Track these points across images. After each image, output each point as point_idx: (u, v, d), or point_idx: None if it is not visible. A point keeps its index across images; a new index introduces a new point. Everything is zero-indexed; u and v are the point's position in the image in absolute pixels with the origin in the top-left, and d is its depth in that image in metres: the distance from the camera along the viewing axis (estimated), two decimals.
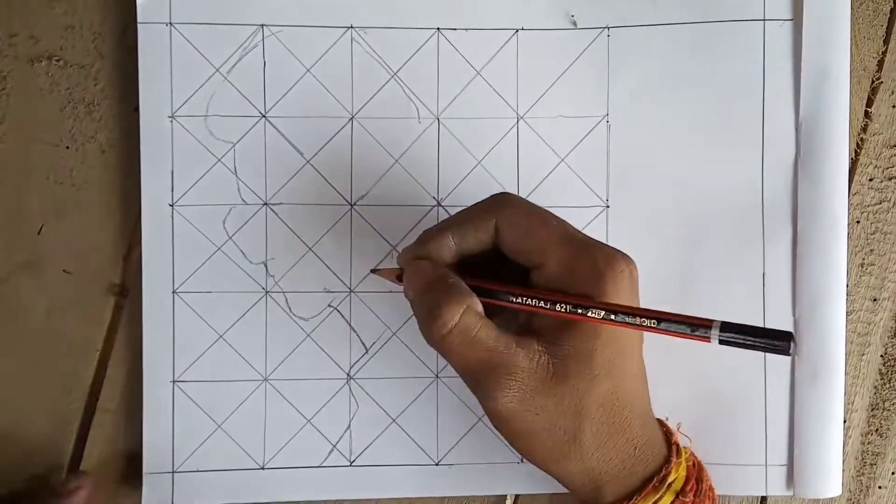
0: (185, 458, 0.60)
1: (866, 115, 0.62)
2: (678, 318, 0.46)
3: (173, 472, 0.60)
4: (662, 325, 0.46)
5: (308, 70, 0.60)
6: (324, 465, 0.61)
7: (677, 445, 0.53)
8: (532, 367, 0.49)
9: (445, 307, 0.48)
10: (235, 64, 0.60)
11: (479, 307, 0.50)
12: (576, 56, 0.61)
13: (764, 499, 0.62)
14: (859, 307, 0.62)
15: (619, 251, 0.51)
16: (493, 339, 0.49)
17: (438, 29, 0.60)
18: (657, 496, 0.50)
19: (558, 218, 0.51)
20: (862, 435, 0.62)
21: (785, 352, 0.41)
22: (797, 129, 0.60)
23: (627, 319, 0.47)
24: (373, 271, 0.58)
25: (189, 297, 0.60)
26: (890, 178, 0.62)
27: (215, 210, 0.60)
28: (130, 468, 0.61)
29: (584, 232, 0.52)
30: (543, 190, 0.61)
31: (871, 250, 0.62)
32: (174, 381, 0.60)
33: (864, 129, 0.62)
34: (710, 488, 0.53)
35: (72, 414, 0.61)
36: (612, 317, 0.47)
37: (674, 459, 0.51)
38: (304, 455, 0.61)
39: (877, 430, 0.62)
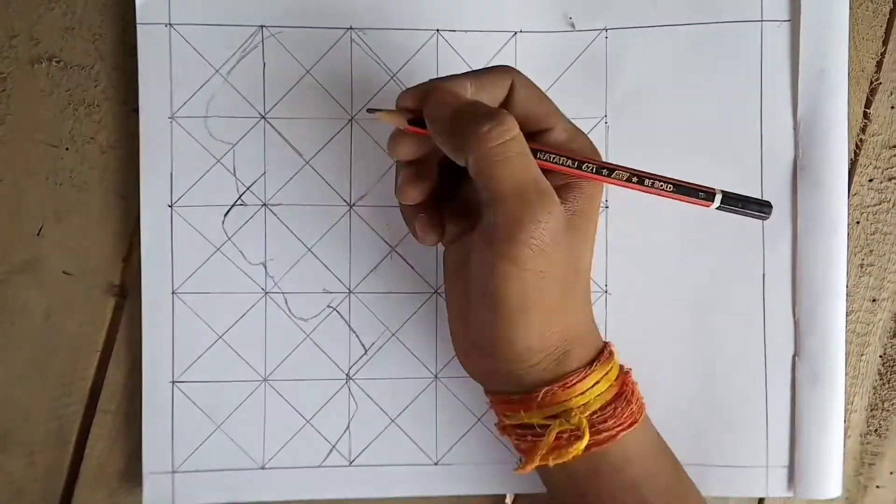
0: (184, 458, 0.60)
1: (865, 115, 0.62)
2: (686, 184, 0.51)
3: (173, 472, 0.60)
4: (675, 191, 0.51)
5: (308, 71, 0.60)
6: (323, 465, 0.61)
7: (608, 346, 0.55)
8: (559, 211, 0.48)
9: (507, 116, 0.47)
10: (235, 65, 0.60)
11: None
12: (574, 58, 0.61)
13: (762, 500, 0.62)
14: (858, 307, 0.62)
15: None
16: (535, 174, 0.48)
17: (438, 30, 0.60)
18: (610, 365, 0.53)
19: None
20: (861, 435, 0.62)
21: (766, 215, 0.50)
22: (796, 130, 0.60)
23: (646, 183, 0.51)
24: (370, 111, 0.52)
25: (188, 298, 0.60)
26: (889, 179, 0.62)
27: (214, 211, 0.60)
28: (130, 468, 0.61)
29: None
30: None
31: (871, 251, 0.62)
32: (174, 382, 0.60)
33: (863, 130, 0.62)
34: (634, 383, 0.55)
35: (72, 415, 0.61)
36: (635, 180, 0.51)
37: (608, 346, 0.54)
38: (303, 455, 0.61)
39: (875, 430, 0.62)
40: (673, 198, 0.50)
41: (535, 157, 0.49)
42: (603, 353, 0.53)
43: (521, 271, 0.47)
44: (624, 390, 0.52)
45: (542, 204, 0.47)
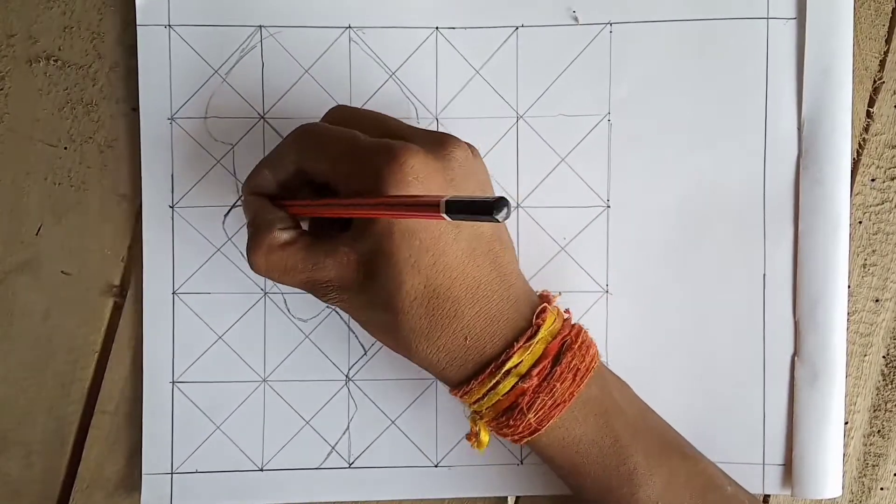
0: (184, 459, 0.60)
1: (868, 115, 0.61)
2: (407, 200, 0.46)
3: (172, 473, 0.60)
4: (403, 210, 0.46)
5: (306, 71, 0.60)
6: (322, 466, 0.61)
7: (538, 326, 0.52)
8: (342, 273, 0.51)
9: (253, 252, 0.52)
10: (234, 65, 0.60)
11: (284, 237, 0.52)
12: (577, 53, 0.61)
13: (767, 497, 0.61)
14: (861, 308, 0.61)
15: (423, 140, 0.51)
16: (302, 262, 0.51)
17: (437, 28, 0.60)
18: (493, 381, 0.51)
19: (352, 132, 0.51)
20: (864, 436, 0.62)
21: (492, 216, 0.40)
22: (799, 129, 0.60)
23: (373, 212, 0.48)
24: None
25: (189, 298, 0.60)
26: (892, 179, 0.61)
27: (215, 211, 0.60)
28: (129, 469, 0.61)
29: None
30: (544, 190, 0.61)
31: (874, 251, 0.61)
32: (173, 382, 0.60)
33: (866, 130, 0.61)
34: (572, 368, 0.52)
35: (70, 415, 0.61)
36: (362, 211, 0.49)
37: (517, 344, 0.51)
38: (302, 456, 0.61)
39: (879, 431, 0.62)
40: (404, 216, 0.48)
41: (284, 212, 0.53)
42: (484, 371, 0.52)
43: (356, 320, 0.55)
44: (518, 403, 0.52)
45: (317, 294, 0.53)
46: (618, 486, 0.53)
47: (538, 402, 0.51)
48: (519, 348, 0.51)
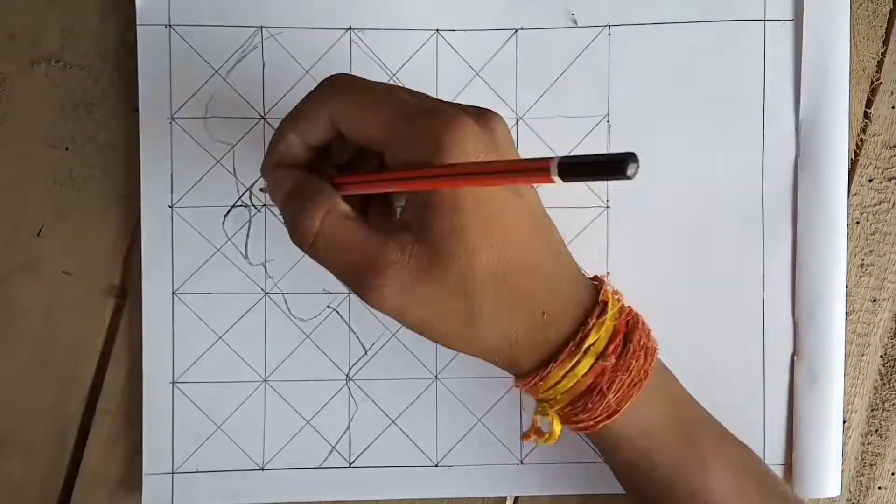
0: (184, 459, 0.60)
1: (866, 115, 0.61)
2: (516, 164, 0.40)
3: (173, 473, 0.60)
4: (505, 176, 0.40)
5: (307, 72, 0.60)
6: (323, 466, 0.61)
7: (604, 304, 0.50)
8: (405, 259, 0.45)
9: (303, 215, 0.46)
10: (234, 66, 0.60)
11: (344, 208, 0.47)
12: (576, 55, 0.61)
13: None
14: (859, 308, 0.62)
15: (466, 112, 0.46)
16: (360, 239, 0.46)
17: (437, 30, 0.60)
18: (573, 361, 0.49)
19: (400, 92, 0.47)
20: (862, 435, 0.62)
21: (624, 174, 0.35)
22: (797, 130, 0.60)
23: (465, 181, 0.43)
24: (261, 190, 0.59)
25: (188, 299, 0.60)
26: (889, 179, 0.61)
27: (215, 211, 0.60)
28: (129, 469, 0.61)
29: (453, 111, 0.46)
30: (543, 190, 0.61)
31: (871, 251, 0.62)
32: (174, 382, 0.60)
33: (864, 130, 0.62)
34: (642, 346, 0.50)
35: (71, 415, 0.61)
36: (451, 179, 0.43)
37: (592, 321, 0.49)
38: (303, 456, 0.61)
39: (876, 430, 0.62)
40: (505, 182, 0.42)
41: (338, 189, 0.48)
42: (565, 348, 0.49)
43: (398, 319, 0.48)
44: (597, 383, 0.49)
45: (367, 282, 0.46)
46: (690, 473, 0.51)
47: (617, 381, 0.49)
48: (594, 325, 0.49)
